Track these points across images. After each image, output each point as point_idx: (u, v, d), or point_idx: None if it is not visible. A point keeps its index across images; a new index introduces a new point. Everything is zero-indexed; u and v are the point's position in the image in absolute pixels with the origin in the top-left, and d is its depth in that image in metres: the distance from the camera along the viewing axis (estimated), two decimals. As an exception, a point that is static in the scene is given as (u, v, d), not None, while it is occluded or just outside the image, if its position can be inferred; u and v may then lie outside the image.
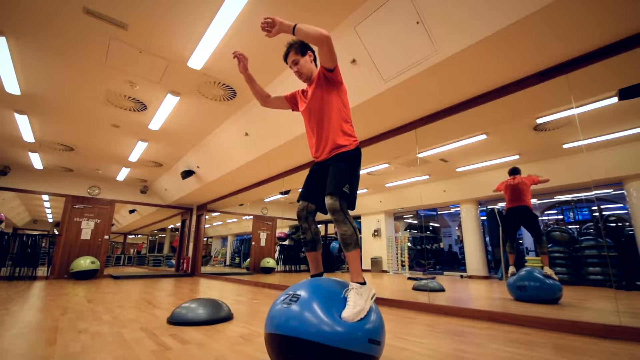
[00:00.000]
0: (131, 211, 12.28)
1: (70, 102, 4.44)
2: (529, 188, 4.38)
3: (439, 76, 2.88)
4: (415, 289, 5.17)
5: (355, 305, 1.39)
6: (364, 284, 1.51)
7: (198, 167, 6.64)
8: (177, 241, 11.20)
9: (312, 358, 1.31)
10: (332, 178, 1.69)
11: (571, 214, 7.30)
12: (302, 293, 1.46)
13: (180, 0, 2.70)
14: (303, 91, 2.00)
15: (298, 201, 1.89)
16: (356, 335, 1.33)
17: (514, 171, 4.52)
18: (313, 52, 1.93)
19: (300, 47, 1.87)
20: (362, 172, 6.99)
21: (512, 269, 4.26)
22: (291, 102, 2.04)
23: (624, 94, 2.82)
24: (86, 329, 2.46)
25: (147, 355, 1.83)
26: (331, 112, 1.80)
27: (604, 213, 6.60)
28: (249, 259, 11.04)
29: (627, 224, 5.72)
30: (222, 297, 4.49)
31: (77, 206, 8.10)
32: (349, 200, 1.68)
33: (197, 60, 3.43)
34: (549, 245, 5.95)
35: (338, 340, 1.30)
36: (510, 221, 4.51)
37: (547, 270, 3.88)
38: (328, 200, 1.65)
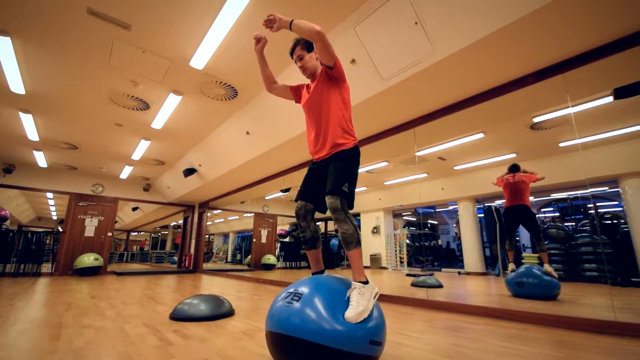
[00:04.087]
0: (134, 209, 12.34)
1: (74, 101, 4.49)
2: (528, 187, 4.40)
3: (438, 76, 2.90)
4: (413, 285, 5.20)
5: (358, 306, 1.38)
6: (366, 282, 1.50)
7: (200, 165, 6.68)
8: (180, 238, 11.29)
9: (312, 358, 1.31)
10: (332, 176, 1.69)
11: (567, 211, 7.33)
12: (305, 292, 1.44)
13: (183, 0, 2.74)
14: (308, 86, 2.00)
15: (296, 200, 1.88)
16: (357, 337, 1.32)
17: (514, 168, 4.52)
18: None
19: (306, 43, 1.88)
20: (361, 170, 7.08)
21: (511, 265, 4.30)
22: (295, 93, 2.04)
23: (619, 93, 2.84)
24: (90, 324, 2.50)
25: (150, 351, 1.86)
26: (330, 108, 1.80)
27: (599, 210, 6.64)
28: (250, 256, 11.12)
29: (622, 221, 5.75)
30: (224, 293, 4.54)
31: (81, 204, 8.17)
32: (348, 199, 1.67)
33: (199, 60, 3.46)
34: (546, 242, 5.99)
35: (339, 341, 1.29)
36: (509, 219, 4.55)
37: (547, 267, 3.90)
38: (329, 199, 1.64)
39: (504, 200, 4.61)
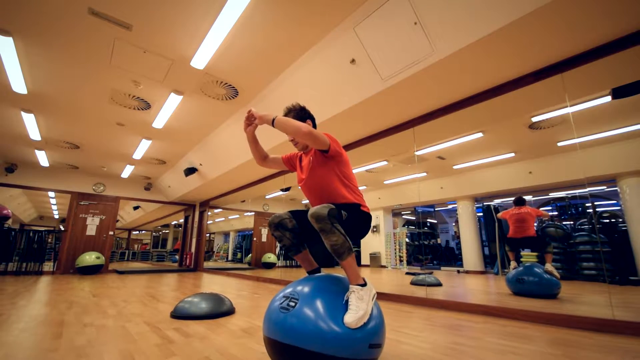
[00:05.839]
0: (135, 207, 12.39)
1: (76, 101, 4.50)
2: (534, 219, 4.44)
3: (437, 75, 2.91)
4: (413, 283, 5.23)
5: (358, 310, 1.33)
6: (364, 285, 1.44)
7: (201, 164, 6.70)
8: (180, 244, 11.36)
9: None
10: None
11: (566, 210, 7.35)
12: (301, 295, 1.40)
13: (184, 0, 2.75)
14: (300, 158, 1.90)
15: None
16: (357, 342, 1.29)
17: (520, 201, 4.54)
18: (313, 119, 1.86)
19: (298, 114, 1.79)
20: (361, 169, 7.13)
21: (513, 263, 4.38)
22: (288, 164, 1.96)
23: (617, 93, 2.85)
24: (91, 322, 2.52)
25: (151, 349, 1.87)
26: (331, 189, 1.68)
27: (597, 209, 6.65)
28: (250, 255, 11.16)
29: (621, 220, 5.77)
30: (224, 291, 4.57)
31: (82, 203, 8.20)
32: (340, 215, 1.52)
33: (200, 60, 3.47)
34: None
35: (337, 348, 1.26)
36: (512, 245, 4.61)
37: (549, 267, 3.95)
38: (315, 207, 1.46)
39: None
